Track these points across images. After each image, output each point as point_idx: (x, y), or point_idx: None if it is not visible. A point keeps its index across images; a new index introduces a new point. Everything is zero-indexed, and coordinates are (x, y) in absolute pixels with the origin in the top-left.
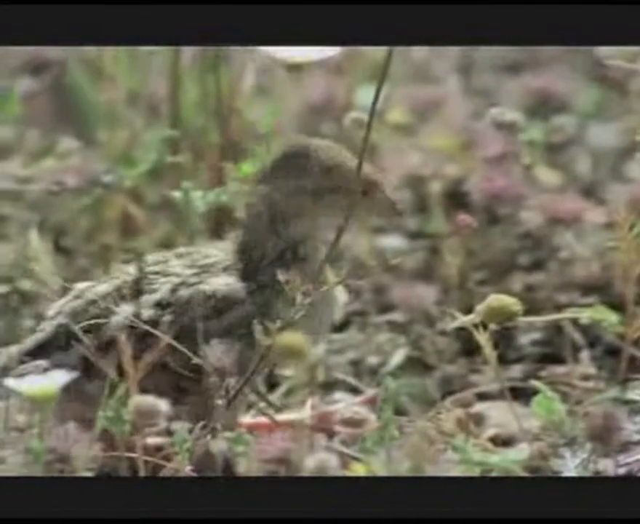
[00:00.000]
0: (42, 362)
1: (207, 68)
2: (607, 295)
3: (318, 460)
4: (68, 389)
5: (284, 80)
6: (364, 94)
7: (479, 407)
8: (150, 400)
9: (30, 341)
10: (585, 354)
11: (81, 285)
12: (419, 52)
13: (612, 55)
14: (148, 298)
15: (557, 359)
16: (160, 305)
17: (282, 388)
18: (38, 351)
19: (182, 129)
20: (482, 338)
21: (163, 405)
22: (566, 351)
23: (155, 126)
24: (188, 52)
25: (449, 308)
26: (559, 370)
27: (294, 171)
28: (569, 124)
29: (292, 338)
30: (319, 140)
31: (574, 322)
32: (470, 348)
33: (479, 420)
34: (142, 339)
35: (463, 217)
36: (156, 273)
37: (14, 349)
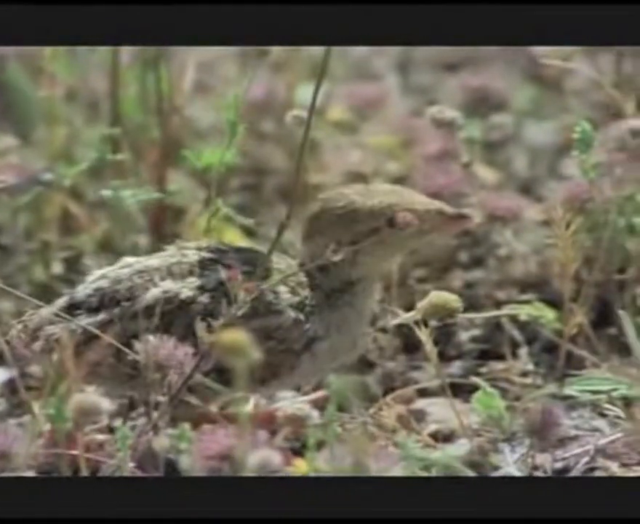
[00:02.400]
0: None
1: (147, 64)
2: (545, 292)
3: (261, 457)
4: None
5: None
6: (304, 92)
7: (420, 403)
8: (91, 397)
9: (62, 301)
10: (523, 351)
11: (129, 258)
12: (358, 50)
13: (548, 54)
14: (193, 280)
15: (496, 356)
16: (201, 289)
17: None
18: (69, 312)
19: (122, 127)
20: (423, 334)
21: (104, 402)
22: (505, 348)
23: (95, 124)
24: (128, 49)
25: (389, 306)
26: (498, 366)
27: (333, 226)
28: (507, 122)
29: (234, 335)
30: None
31: (513, 318)
32: (410, 345)
33: (420, 416)
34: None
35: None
36: (212, 260)
37: (45, 311)
